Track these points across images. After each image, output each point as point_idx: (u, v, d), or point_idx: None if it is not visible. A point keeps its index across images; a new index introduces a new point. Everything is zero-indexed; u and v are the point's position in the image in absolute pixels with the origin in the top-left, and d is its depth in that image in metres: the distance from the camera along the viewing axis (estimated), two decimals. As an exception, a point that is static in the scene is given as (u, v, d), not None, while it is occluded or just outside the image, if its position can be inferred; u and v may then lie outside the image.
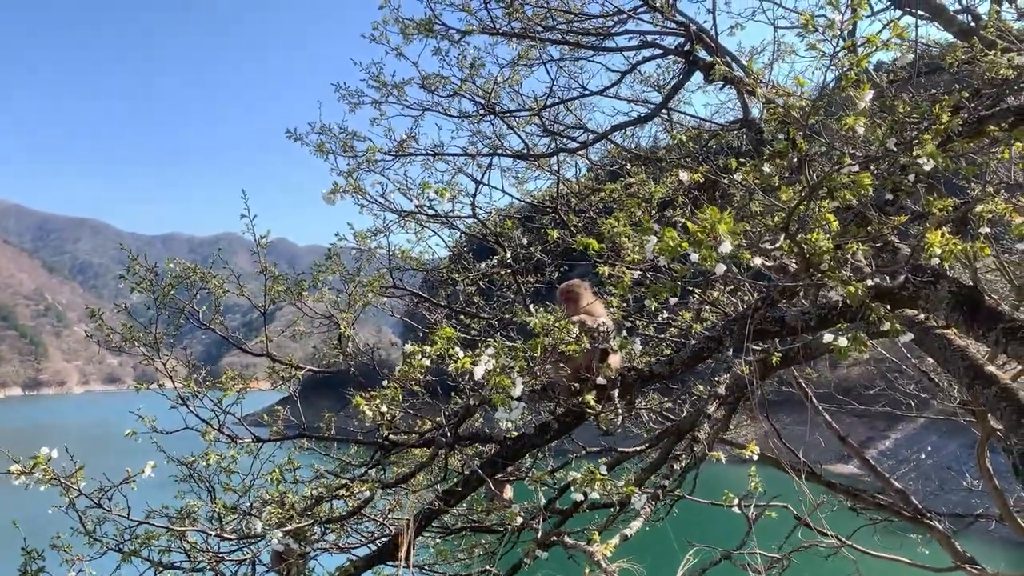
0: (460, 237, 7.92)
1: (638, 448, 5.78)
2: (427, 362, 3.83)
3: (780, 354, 4.66)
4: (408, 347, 3.91)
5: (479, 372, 3.69)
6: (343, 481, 4.88)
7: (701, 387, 6.17)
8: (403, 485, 5.33)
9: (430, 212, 6.64)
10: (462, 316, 6.95)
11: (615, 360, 4.27)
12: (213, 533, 4.93)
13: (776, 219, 3.73)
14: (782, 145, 4.52)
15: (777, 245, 3.59)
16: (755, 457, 5.29)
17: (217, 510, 5.08)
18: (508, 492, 6.56)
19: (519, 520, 5.03)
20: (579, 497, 4.02)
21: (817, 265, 3.61)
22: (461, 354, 3.74)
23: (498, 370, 3.72)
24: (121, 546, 4.73)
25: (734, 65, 7.24)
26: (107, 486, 4.48)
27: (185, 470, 5.19)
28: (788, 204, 3.66)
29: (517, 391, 3.71)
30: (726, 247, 3.13)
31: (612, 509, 4.99)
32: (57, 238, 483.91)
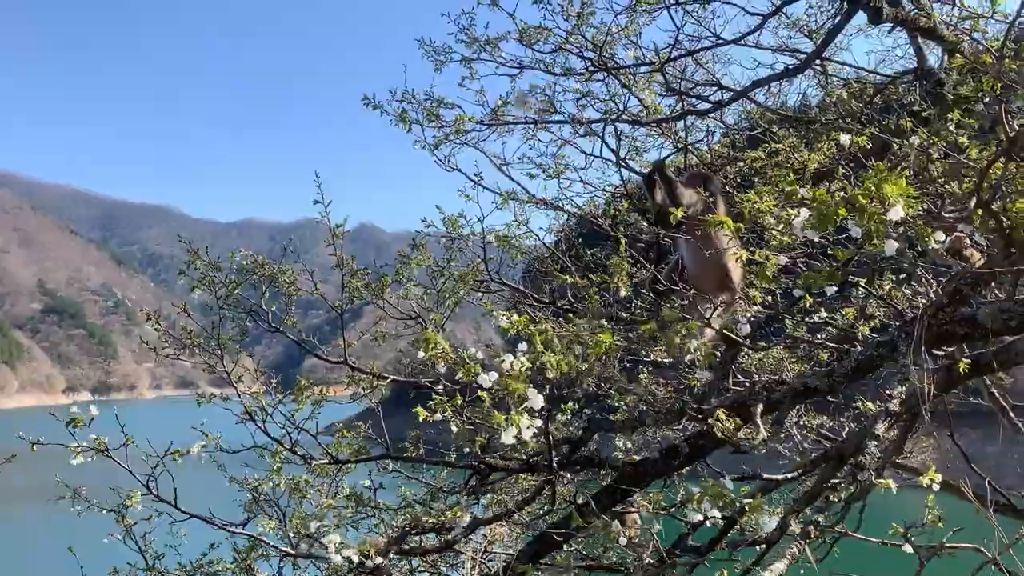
0: (568, 220, 7.83)
1: (788, 475, 5.56)
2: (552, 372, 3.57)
3: (969, 360, 4.37)
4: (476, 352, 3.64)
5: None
6: (433, 513, 4.89)
7: (870, 405, 5.88)
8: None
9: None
10: (570, 314, 6.86)
11: (737, 276, 4.34)
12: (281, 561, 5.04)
13: (964, 185, 3.48)
14: (970, 90, 4.22)
15: (964, 215, 3.35)
16: (935, 487, 4.98)
17: (289, 535, 5.19)
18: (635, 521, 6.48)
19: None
20: (697, 518, 3.90)
21: (1020, 245, 3.34)
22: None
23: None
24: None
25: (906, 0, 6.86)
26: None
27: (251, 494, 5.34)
28: (979, 164, 3.40)
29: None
30: (896, 212, 2.90)
31: (758, 548, 4.81)
32: (125, 227, 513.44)
